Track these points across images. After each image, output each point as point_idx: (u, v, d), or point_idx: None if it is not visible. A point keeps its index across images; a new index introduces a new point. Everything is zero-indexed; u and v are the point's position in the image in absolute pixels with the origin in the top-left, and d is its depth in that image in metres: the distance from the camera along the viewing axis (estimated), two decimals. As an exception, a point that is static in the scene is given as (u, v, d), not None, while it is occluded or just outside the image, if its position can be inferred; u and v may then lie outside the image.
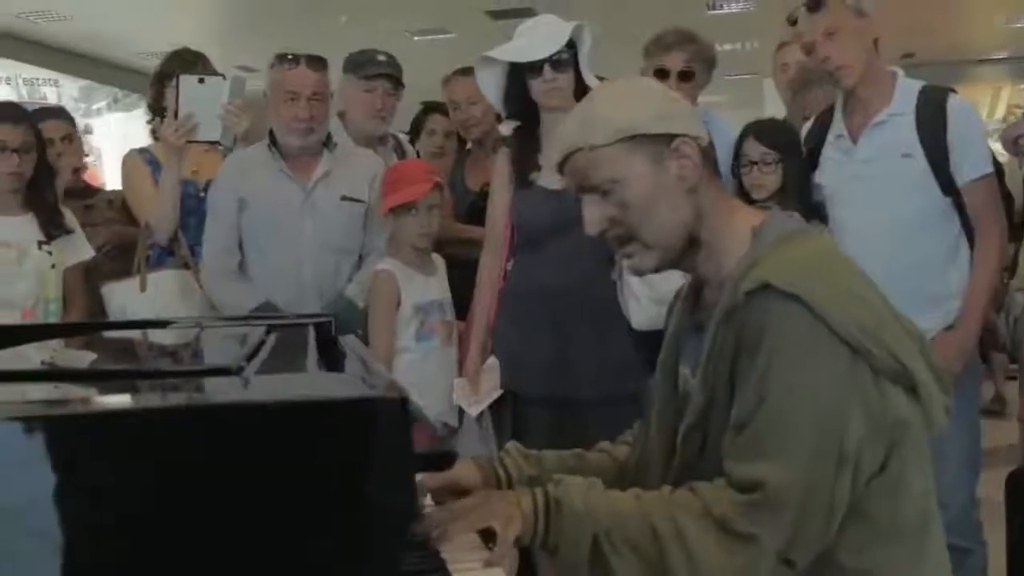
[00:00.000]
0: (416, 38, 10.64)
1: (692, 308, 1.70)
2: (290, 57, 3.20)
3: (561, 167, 1.61)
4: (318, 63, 3.23)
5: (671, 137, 1.54)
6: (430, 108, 4.15)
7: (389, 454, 0.76)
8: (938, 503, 2.87)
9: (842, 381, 1.38)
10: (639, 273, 1.65)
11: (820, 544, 1.42)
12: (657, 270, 1.63)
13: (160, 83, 3.68)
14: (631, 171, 1.54)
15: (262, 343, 1.49)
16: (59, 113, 4.24)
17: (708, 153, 1.59)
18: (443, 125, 4.05)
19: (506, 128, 3.17)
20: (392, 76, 3.62)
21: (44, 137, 3.37)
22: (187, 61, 3.61)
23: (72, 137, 4.06)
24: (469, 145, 4.07)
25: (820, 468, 1.38)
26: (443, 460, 1.78)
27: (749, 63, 10.12)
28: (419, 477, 1.77)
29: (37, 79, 9.78)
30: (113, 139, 10.00)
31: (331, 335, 2.06)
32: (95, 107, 9.53)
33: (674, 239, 1.57)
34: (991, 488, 2.85)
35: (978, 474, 3.00)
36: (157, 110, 3.71)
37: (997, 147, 4.04)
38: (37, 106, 9.04)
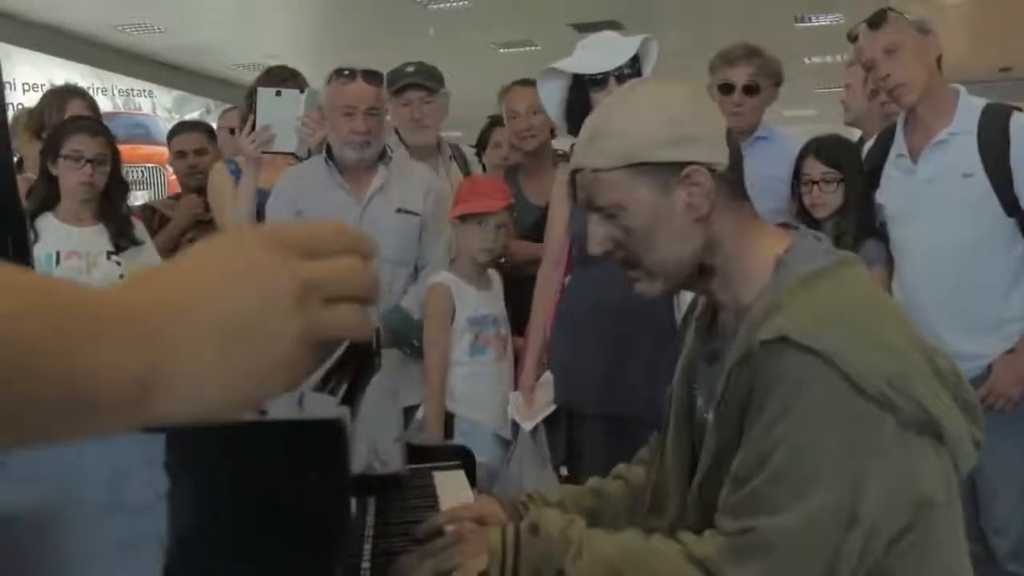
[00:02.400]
0: (502, 50, 10.71)
1: (706, 332, 1.62)
2: (347, 72, 3.25)
3: (574, 176, 1.55)
4: (374, 77, 3.28)
5: (680, 165, 1.44)
6: (496, 121, 4.17)
7: (322, 478, 0.77)
8: (996, 531, 2.85)
9: (858, 441, 1.29)
10: (648, 295, 1.55)
11: None
12: (666, 294, 1.57)
13: (251, 97, 3.75)
14: (636, 198, 1.45)
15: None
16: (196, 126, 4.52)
17: (726, 178, 1.47)
18: (507, 137, 4.06)
19: (563, 143, 3.17)
20: (423, 84, 3.65)
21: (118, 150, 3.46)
22: (281, 79, 3.65)
23: (206, 151, 4.34)
24: (508, 158, 4.06)
25: (826, 523, 1.30)
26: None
27: (839, 76, 9.95)
28: (449, 506, 1.80)
29: (132, 90, 10.06)
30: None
31: (371, 348, 2.08)
32: (188, 117, 9.76)
33: (680, 268, 1.49)
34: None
35: (1040, 502, 2.92)
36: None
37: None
38: (128, 116, 9.37)
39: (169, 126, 8.23)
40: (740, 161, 1.52)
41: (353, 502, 0.84)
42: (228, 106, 5.43)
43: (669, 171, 1.44)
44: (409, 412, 3.20)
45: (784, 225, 1.57)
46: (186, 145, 4.50)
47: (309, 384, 1.31)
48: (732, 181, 1.48)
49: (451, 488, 1.94)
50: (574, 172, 1.53)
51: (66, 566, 0.80)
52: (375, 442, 1.14)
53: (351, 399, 1.46)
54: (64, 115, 3.81)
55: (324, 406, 0.89)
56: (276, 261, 0.62)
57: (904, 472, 1.32)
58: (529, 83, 3.69)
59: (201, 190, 4.29)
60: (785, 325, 1.32)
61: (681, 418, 1.64)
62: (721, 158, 1.46)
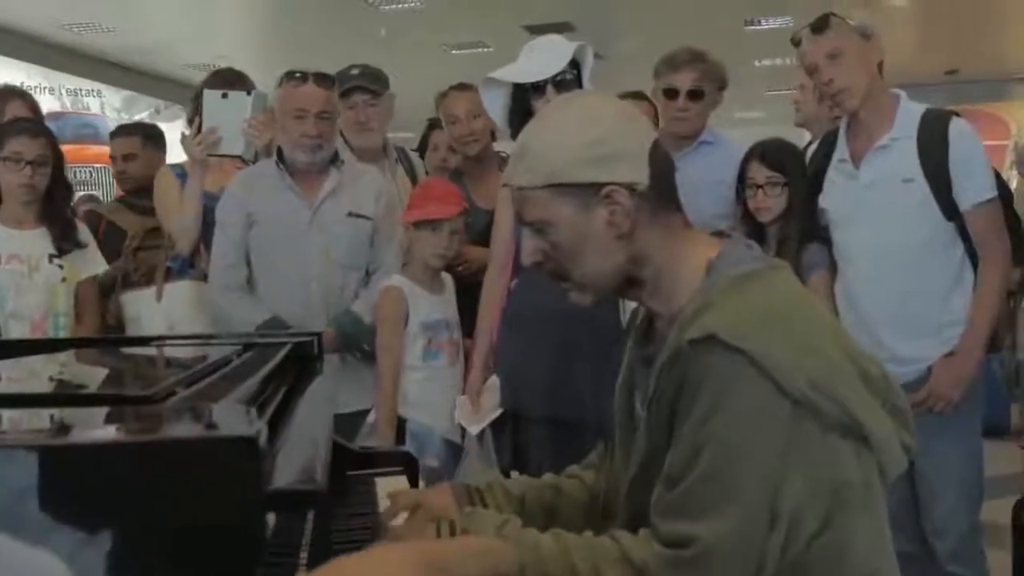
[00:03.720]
0: (454, 52, 10.69)
1: (644, 338, 1.64)
2: (298, 75, 3.25)
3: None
4: (326, 81, 3.27)
5: (600, 185, 1.47)
6: (435, 124, 4.18)
7: (235, 495, 0.77)
8: (936, 533, 2.88)
9: (783, 440, 1.32)
10: (578, 304, 1.59)
11: None
12: (596, 303, 1.60)
13: (197, 99, 3.73)
14: (559, 216, 1.49)
15: (221, 365, 1.51)
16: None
17: (648, 196, 1.49)
18: (445, 140, 4.06)
19: (506, 145, 3.18)
20: (367, 88, 3.66)
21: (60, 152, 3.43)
22: (227, 81, 3.63)
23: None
24: (447, 160, 4.07)
25: (752, 525, 1.32)
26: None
27: (788, 79, 10.04)
28: (392, 490, 1.81)
29: (80, 89, 9.93)
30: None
31: (313, 353, 2.08)
32: (137, 117, 9.65)
33: (606, 281, 1.54)
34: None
35: (980, 502, 2.96)
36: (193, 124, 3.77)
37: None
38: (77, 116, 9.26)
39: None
40: (669, 174, 1.55)
41: (270, 519, 0.84)
42: (177, 106, 5.41)
43: (589, 191, 1.48)
44: (360, 416, 3.20)
45: (719, 234, 1.61)
46: (116, 150, 4.51)
47: (247, 388, 1.31)
48: (658, 196, 1.51)
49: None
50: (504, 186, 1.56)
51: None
52: (302, 451, 1.14)
53: (288, 403, 1.47)
54: (3, 117, 3.77)
55: (238, 421, 0.88)
56: None
57: (825, 467, 1.35)
58: (466, 87, 3.72)
59: (134, 193, 4.30)
60: (713, 324, 1.35)
61: (624, 423, 1.66)
62: (641, 177, 1.49)
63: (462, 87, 3.79)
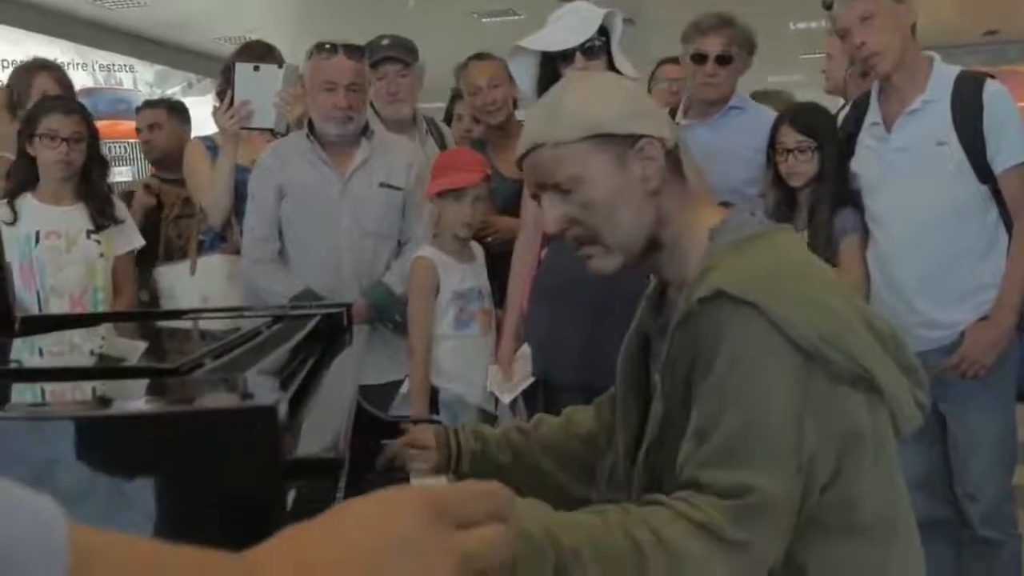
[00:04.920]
0: (485, 20, 10.64)
1: (657, 308, 1.67)
2: (328, 47, 3.25)
3: (521, 161, 1.59)
4: (356, 52, 3.27)
5: (636, 138, 1.51)
6: (457, 95, 4.18)
7: (256, 465, 0.78)
8: (969, 496, 2.88)
9: (795, 389, 1.35)
10: (600, 274, 1.60)
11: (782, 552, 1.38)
12: (619, 271, 1.60)
13: (228, 72, 3.74)
14: (594, 170, 1.51)
15: (249, 337, 1.53)
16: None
17: (674, 155, 1.55)
18: (469, 111, 4.06)
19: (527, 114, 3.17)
20: (399, 58, 3.66)
21: (95, 128, 3.46)
22: (257, 54, 3.64)
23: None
24: (471, 131, 4.07)
25: (791, 472, 1.34)
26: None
27: (823, 42, 9.90)
28: (419, 483, 1.85)
29: (113, 65, 9.97)
30: (188, 123, 10.18)
31: (343, 325, 2.10)
32: (169, 92, 9.66)
33: (635, 241, 1.54)
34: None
35: (1012, 466, 2.95)
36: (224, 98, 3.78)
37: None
38: (110, 92, 9.31)
39: (151, 101, 8.08)
40: (680, 144, 1.60)
41: (294, 487, 0.86)
42: (209, 80, 5.44)
43: (626, 143, 1.52)
44: (393, 387, 3.22)
45: (724, 204, 1.67)
46: (141, 122, 4.58)
47: (274, 360, 1.33)
48: (677, 159, 1.57)
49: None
50: (529, 151, 1.57)
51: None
52: (325, 421, 1.16)
53: (315, 374, 1.48)
54: (31, 89, 3.81)
55: (260, 392, 0.90)
56: (433, 539, 0.60)
57: (835, 417, 1.37)
58: (486, 57, 3.73)
59: (159, 163, 4.38)
60: (720, 281, 1.39)
61: (628, 394, 1.69)
62: (670, 134, 1.55)
63: (482, 57, 3.81)
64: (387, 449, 1.91)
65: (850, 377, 1.38)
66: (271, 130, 3.50)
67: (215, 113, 3.62)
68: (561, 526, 1.32)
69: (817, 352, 1.35)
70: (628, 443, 1.67)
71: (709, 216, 1.56)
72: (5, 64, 8.08)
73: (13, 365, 1.38)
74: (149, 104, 4.82)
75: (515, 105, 3.80)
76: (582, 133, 1.51)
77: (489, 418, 3.27)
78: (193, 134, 4.42)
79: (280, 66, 3.46)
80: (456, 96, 4.20)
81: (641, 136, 1.52)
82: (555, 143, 1.52)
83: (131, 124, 8.42)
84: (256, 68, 3.39)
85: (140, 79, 10.32)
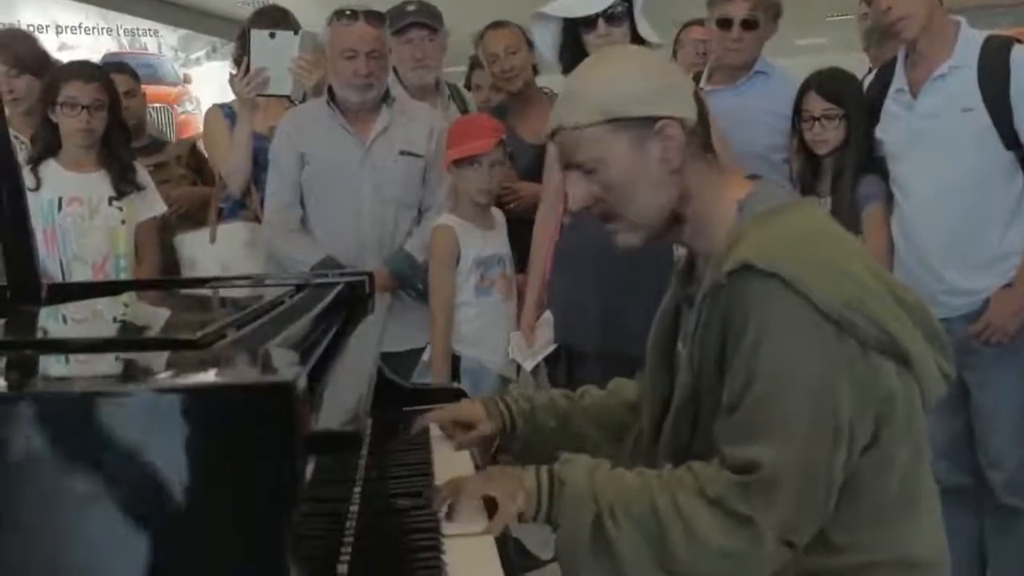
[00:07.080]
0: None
1: (686, 278, 1.69)
2: (348, 13, 3.23)
3: (551, 138, 1.62)
4: (376, 19, 3.25)
5: (654, 119, 1.53)
6: (476, 64, 4.16)
7: (275, 440, 0.79)
8: (992, 464, 2.88)
9: (829, 357, 1.38)
10: (626, 247, 1.63)
11: (820, 523, 1.42)
12: (644, 244, 1.63)
13: (244, 38, 3.72)
14: (614, 152, 1.54)
15: (272, 307, 1.54)
16: (122, 68, 4.24)
17: (696, 131, 1.57)
18: (488, 79, 4.06)
19: (550, 81, 3.16)
20: (425, 23, 3.63)
21: (117, 93, 3.44)
22: (272, 20, 3.60)
23: (135, 92, 4.09)
24: (490, 100, 4.05)
25: (816, 445, 1.38)
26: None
27: (850, 3, 9.80)
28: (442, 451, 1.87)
29: (137, 29, 9.99)
30: (212, 88, 10.19)
31: (364, 293, 2.11)
32: (194, 56, 9.70)
33: (657, 219, 1.57)
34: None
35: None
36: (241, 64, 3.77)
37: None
38: (134, 57, 9.31)
39: (176, 65, 8.13)
40: (707, 117, 1.62)
41: (315, 458, 0.86)
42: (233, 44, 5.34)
43: (645, 125, 1.54)
44: (415, 354, 3.23)
45: (751, 177, 1.66)
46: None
47: (296, 330, 1.34)
48: (700, 134, 1.58)
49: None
50: (552, 134, 1.61)
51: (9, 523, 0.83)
52: (345, 393, 1.17)
53: (337, 343, 1.49)
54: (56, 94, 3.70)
55: (279, 367, 0.90)
56: None
57: (870, 382, 1.41)
58: (503, 24, 3.73)
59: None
60: (746, 253, 1.42)
61: (658, 367, 1.73)
62: (691, 113, 1.56)
63: (498, 24, 3.79)
64: (420, 419, 1.94)
65: (878, 346, 1.40)
66: (287, 97, 3.49)
67: (232, 80, 3.61)
68: (604, 483, 1.47)
69: (844, 320, 1.38)
70: (656, 414, 1.70)
71: (736, 189, 1.58)
72: (31, 29, 8.09)
73: (37, 336, 1.39)
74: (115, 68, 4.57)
75: (536, 71, 3.78)
76: (600, 117, 1.54)
77: (510, 385, 3.29)
78: (217, 99, 4.37)
79: (296, 32, 3.44)
80: (474, 65, 4.19)
81: (660, 118, 1.53)
82: (574, 126, 1.56)
83: (156, 89, 8.44)
84: (272, 35, 3.37)
85: (165, 43, 10.33)
